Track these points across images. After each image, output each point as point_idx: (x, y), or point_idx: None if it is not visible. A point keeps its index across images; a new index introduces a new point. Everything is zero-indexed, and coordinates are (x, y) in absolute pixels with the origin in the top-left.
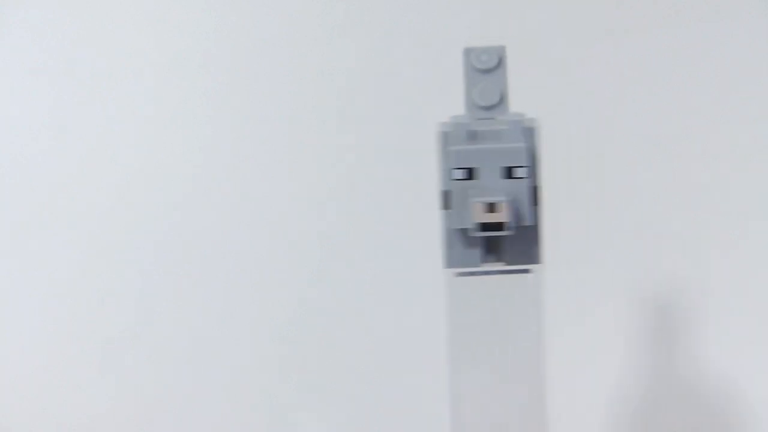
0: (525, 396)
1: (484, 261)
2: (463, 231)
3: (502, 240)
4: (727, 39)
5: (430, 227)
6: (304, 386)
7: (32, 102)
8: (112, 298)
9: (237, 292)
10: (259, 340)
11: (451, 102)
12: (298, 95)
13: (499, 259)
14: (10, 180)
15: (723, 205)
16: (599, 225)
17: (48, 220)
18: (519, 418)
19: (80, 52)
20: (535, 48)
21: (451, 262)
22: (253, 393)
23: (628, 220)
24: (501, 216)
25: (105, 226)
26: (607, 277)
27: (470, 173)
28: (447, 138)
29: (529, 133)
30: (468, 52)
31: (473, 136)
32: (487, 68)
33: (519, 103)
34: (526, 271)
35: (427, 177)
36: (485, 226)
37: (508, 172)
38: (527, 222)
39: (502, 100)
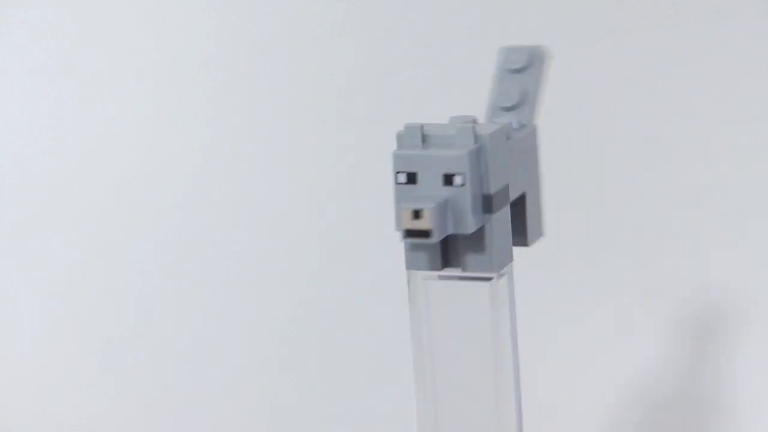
0: (483, 410)
1: (445, 265)
2: None
3: (459, 245)
4: (727, 39)
5: None
6: (304, 386)
7: (32, 102)
8: (112, 298)
9: (237, 292)
10: (259, 340)
11: (450, 102)
12: (298, 95)
13: (457, 265)
14: (10, 180)
15: (723, 205)
16: (599, 225)
17: (48, 220)
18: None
19: (80, 52)
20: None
21: (411, 263)
22: (253, 393)
23: (628, 220)
24: (425, 223)
25: (105, 226)
26: (606, 277)
27: (412, 178)
28: (401, 141)
29: (492, 138)
30: (502, 52)
31: (426, 140)
32: (515, 68)
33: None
34: (486, 279)
35: None
36: (410, 233)
37: (448, 179)
38: (467, 230)
39: (523, 102)
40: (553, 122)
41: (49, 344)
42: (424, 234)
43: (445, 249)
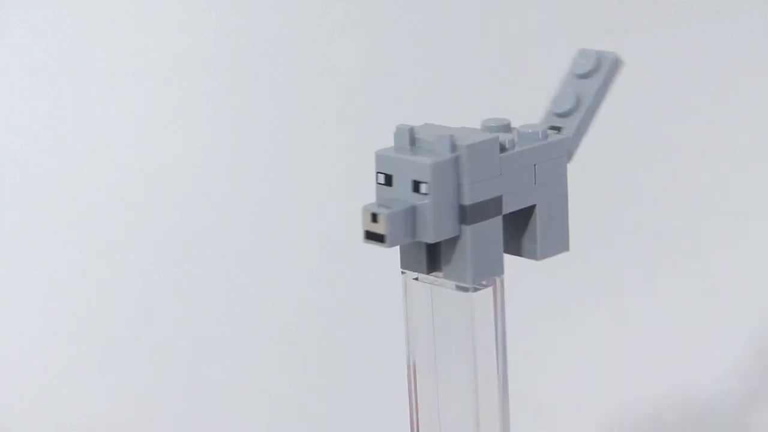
0: (463, 419)
1: (432, 269)
2: None
3: (442, 251)
4: (727, 39)
5: None
6: (304, 386)
7: (32, 102)
8: (112, 298)
9: (237, 292)
10: (259, 340)
11: (450, 102)
12: (298, 95)
13: (440, 270)
14: (10, 180)
15: (723, 205)
16: (599, 225)
17: (48, 220)
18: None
19: (80, 52)
20: (535, 48)
21: (403, 263)
22: (253, 393)
23: (628, 220)
24: (380, 228)
25: (105, 226)
26: (606, 278)
27: (389, 180)
28: (395, 140)
29: (472, 149)
30: (577, 53)
31: (414, 144)
32: (580, 73)
33: (518, 103)
34: (464, 288)
35: None
36: (369, 235)
37: (416, 186)
38: (430, 240)
39: (576, 109)
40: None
41: (49, 344)
42: (380, 238)
43: (434, 253)
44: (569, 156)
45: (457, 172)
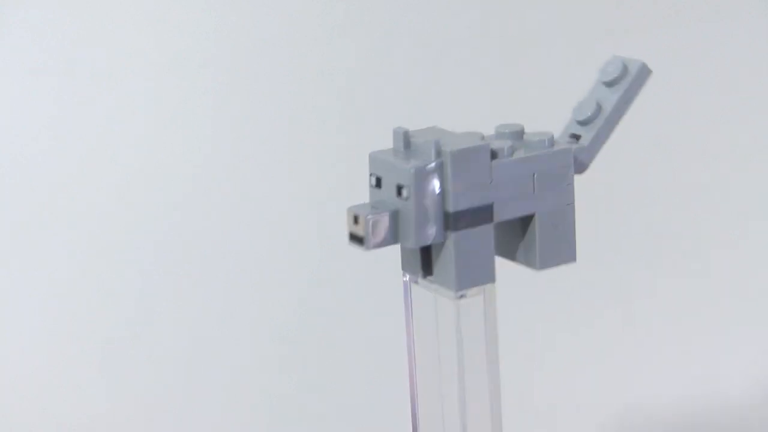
0: (452, 423)
1: (425, 273)
2: None
3: (433, 256)
4: (727, 39)
5: None
6: (304, 386)
7: (32, 102)
8: (112, 298)
9: (237, 292)
10: (259, 340)
11: (450, 102)
12: (298, 95)
13: (432, 274)
14: (10, 180)
15: (723, 205)
16: (598, 225)
17: (48, 220)
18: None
19: (80, 52)
20: (535, 48)
21: (404, 265)
22: (253, 393)
23: (628, 221)
24: (360, 230)
25: (105, 226)
26: (606, 278)
27: (379, 182)
28: (393, 143)
29: (457, 155)
30: (606, 61)
31: (408, 147)
32: (606, 80)
33: (517, 104)
34: (450, 295)
35: None
36: (351, 237)
37: (399, 190)
38: (410, 245)
39: (598, 117)
40: (553, 122)
41: (49, 344)
42: (360, 240)
43: (429, 258)
44: (582, 166)
45: (442, 178)
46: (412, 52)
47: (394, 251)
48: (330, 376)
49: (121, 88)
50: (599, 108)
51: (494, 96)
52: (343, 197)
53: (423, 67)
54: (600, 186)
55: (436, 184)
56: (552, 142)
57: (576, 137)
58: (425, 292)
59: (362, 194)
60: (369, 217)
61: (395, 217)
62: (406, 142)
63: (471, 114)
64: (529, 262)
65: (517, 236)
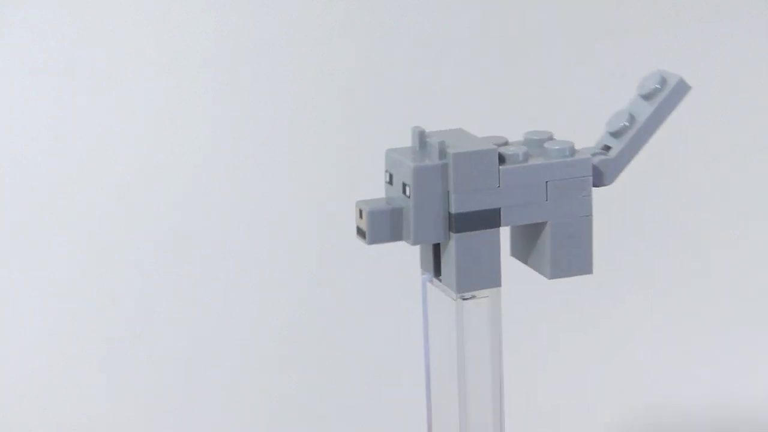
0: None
1: (437, 273)
2: None
3: (440, 255)
4: (727, 39)
5: None
6: (304, 386)
7: (32, 102)
8: (112, 298)
9: (237, 292)
10: (259, 340)
11: (450, 102)
12: (298, 95)
13: (439, 275)
14: (10, 180)
15: (723, 205)
16: (598, 225)
17: (48, 220)
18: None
19: (80, 52)
20: (535, 48)
21: (422, 263)
22: (253, 393)
23: (628, 221)
24: (363, 224)
25: (105, 226)
26: (606, 278)
27: (391, 179)
28: (411, 140)
29: (460, 157)
30: (647, 74)
31: (423, 147)
32: (642, 93)
33: (517, 104)
34: (453, 296)
35: None
36: (358, 231)
37: (404, 188)
38: (410, 242)
39: (630, 129)
40: (553, 122)
41: (49, 344)
42: (364, 234)
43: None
44: (608, 177)
45: (445, 179)
46: (412, 52)
47: (395, 251)
48: (330, 376)
49: (121, 88)
50: (632, 120)
51: (494, 96)
52: (343, 197)
53: (423, 67)
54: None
55: (438, 185)
56: (573, 151)
57: (607, 148)
58: (437, 291)
59: (362, 194)
60: (369, 211)
61: (397, 213)
62: (421, 141)
63: (471, 114)
64: (541, 270)
65: (532, 242)
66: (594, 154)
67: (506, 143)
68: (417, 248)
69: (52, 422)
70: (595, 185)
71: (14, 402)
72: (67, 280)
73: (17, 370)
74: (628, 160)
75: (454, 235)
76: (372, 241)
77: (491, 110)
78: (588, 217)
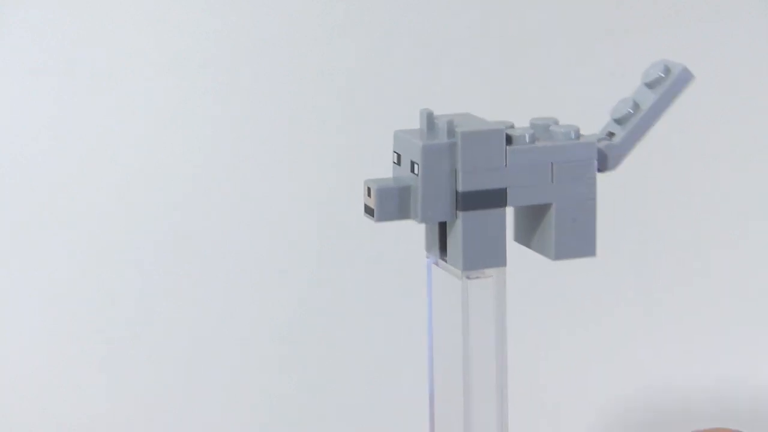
0: (455, 406)
1: (442, 254)
2: None
3: (447, 236)
4: (727, 39)
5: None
6: (304, 386)
7: (32, 102)
8: (112, 298)
9: (237, 292)
10: (259, 340)
11: (450, 102)
12: (298, 95)
13: (445, 255)
14: (10, 180)
15: (723, 205)
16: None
17: (48, 220)
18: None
19: (80, 52)
20: (535, 48)
21: (427, 246)
22: (253, 393)
23: (628, 220)
24: (371, 202)
25: (105, 226)
26: (606, 277)
27: (399, 159)
28: (419, 122)
29: (468, 136)
30: (651, 63)
31: (432, 129)
32: (647, 81)
33: (518, 104)
34: (460, 275)
35: None
36: (366, 209)
37: (413, 167)
38: (418, 220)
39: (634, 116)
40: None
41: (49, 344)
42: (371, 212)
43: (445, 238)
44: (612, 162)
45: (453, 158)
46: (412, 52)
47: (395, 251)
48: (330, 376)
49: (121, 88)
50: (636, 107)
51: (494, 96)
52: (343, 197)
53: (423, 67)
54: (600, 186)
55: (446, 163)
56: (578, 134)
57: (611, 135)
58: (442, 273)
59: (362, 194)
60: (378, 188)
61: (405, 191)
62: (429, 123)
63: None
64: (545, 252)
65: (536, 225)
66: (599, 140)
67: (512, 126)
68: (418, 248)
69: (52, 422)
70: (598, 170)
71: (14, 402)
72: (67, 280)
73: (17, 370)
74: (632, 146)
75: (460, 214)
76: (380, 218)
77: (491, 110)
78: (592, 200)
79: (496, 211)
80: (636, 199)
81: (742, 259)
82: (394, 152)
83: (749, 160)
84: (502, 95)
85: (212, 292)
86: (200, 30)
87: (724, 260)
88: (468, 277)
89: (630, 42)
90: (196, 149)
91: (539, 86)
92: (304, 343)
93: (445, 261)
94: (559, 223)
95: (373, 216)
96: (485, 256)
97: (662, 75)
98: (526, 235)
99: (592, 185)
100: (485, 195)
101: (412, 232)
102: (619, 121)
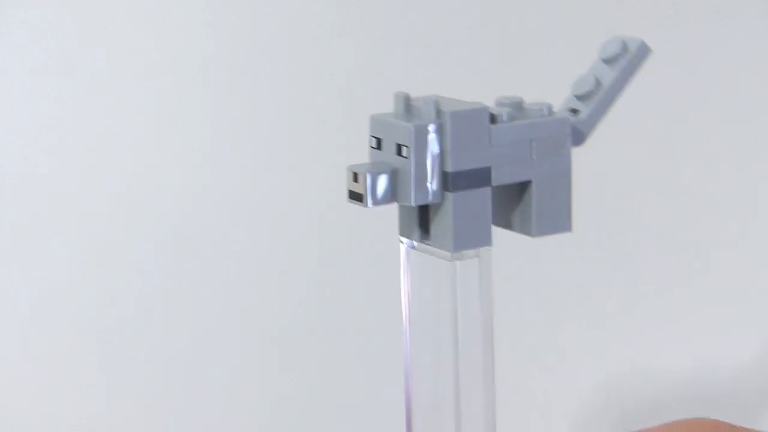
0: (444, 393)
1: (424, 237)
2: None
3: (430, 217)
4: (727, 39)
5: None
6: (304, 386)
7: (32, 102)
8: (112, 298)
9: (237, 292)
10: (259, 340)
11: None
12: (298, 95)
13: (428, 238)
14: (10, 180)
15: (723, 205)
16: (598, 225)
17: (48, 220)
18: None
19: (80, 52)
20: (535, 48)
21: (401, 230)
22: (253, 393)
23: (628, 220)
24: (359, 187)
25: (105, 226)
26: (606, 277)
27: (379, 143)
28: (393, 106)
29: (456, 116)
30: (606, 40)
31: (409, 111)
32: (605, 57)
33: None
34: (448, 256)
35: None
36: (351, 195)
37: (399, 150)
38: (410, 203)
39: (595, 93)
40: None
41: (50, 344)
42: (359, 198)
43: (426, 221)
44: (581, 138)
45: (441, 139)
46: (412, 52)
47: (395, 251)
48: (330, 376)
49: (121, 88)
50: (598, 83)
51: (494, 96)
52: (343, 197)
53: (423, 67)
54: (600, 186)
55: (435, 144)
56: (551, 111)
57: (574, 111)
58: (423, 256)
59: None
60: (368, 173)
61: (395, 175)
62: (407, 105)
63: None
64: (525, 230)
65: (514, 204)
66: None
67: (484, 106)
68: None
69: (52, 422)
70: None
71: (14, 402)
72: (67, 280)
73: (17, 370)
74: (597, 121)
75: (449, 195)
76: (371, 204)
77: None
78: (568, 175)
79: (482, 191)
80: (636, 199)
81: (742, 259)
82: (372, 137)
83: (749, 160)
84: (502, 95)
85: (212, 292)
86: (200, 30)
87: (724, 260)
88: (458, 258)
89: None
90: (196, 149)
91: (539, 87)
92: (304, 343)
93: (428, 244)
94: (539, 199)
95: (361, 201)
96: (473, 237)
97: (620, 51)
98: (505, 217)
99: (567, 161)
100: (472, 174)
101: None
102: (581, 98)
